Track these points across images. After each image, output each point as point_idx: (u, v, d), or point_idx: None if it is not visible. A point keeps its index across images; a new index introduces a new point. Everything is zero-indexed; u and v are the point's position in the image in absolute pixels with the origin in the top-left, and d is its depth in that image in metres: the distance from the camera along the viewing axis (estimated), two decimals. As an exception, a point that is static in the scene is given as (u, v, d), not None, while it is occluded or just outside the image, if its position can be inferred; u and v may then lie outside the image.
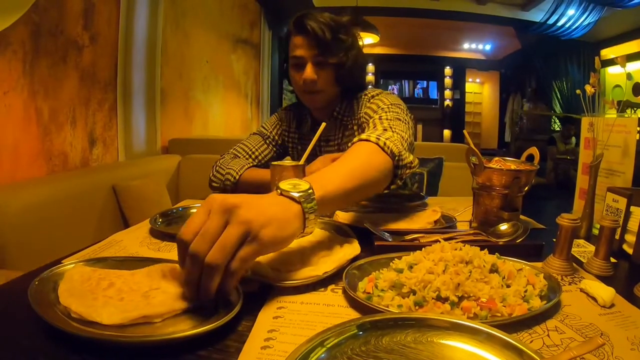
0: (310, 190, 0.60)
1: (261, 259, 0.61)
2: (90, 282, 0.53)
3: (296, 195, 0.58)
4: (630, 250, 0.73)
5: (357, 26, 1.23)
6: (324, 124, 1.01)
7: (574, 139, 5.76)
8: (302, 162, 0.95)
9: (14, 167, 1.61)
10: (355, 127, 1.23)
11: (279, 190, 0.59)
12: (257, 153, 1.30)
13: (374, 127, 0.99)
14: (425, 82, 10.19)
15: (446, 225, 0.88)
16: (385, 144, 0.85)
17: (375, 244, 0.72)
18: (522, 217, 0.92)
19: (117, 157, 2.30)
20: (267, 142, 1.33)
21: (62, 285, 0.52)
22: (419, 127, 9.07)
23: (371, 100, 1.17)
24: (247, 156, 1.29)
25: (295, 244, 0.69)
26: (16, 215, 1.36)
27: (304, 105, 1.32)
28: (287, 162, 1.01)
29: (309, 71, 1.13)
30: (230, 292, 0.50)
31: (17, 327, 0.46)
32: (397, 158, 0.86)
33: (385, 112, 1.06)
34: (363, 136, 0.88)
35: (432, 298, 0.50)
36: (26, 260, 1.27)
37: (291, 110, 1.37)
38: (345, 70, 1.17)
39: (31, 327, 0.45)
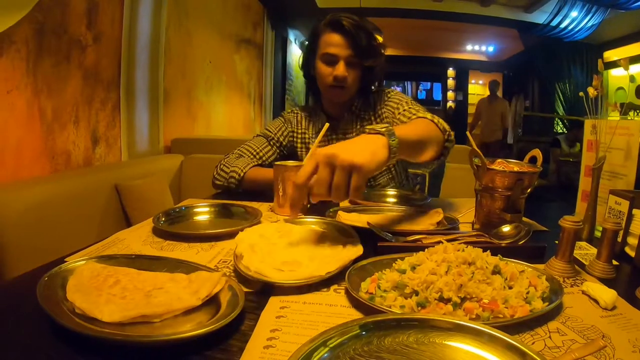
0: (391, 127, 0.73)
1: (262, 259, 0.62)
2: (98, 278, 0.53)
3: (381, 129, 0.72)
4: (632, 253, 0.73)
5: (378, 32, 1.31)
6: (327, 125, 1.03)
7: (578, 144, 5.73)
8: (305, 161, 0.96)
9: (17, 165, 1.61)
10: (372, 119, 1.30)
11: (367, 130, 0.73)
12: (261, 154, 1.31)
13: (416, 114, 1.13)
14: (428, 84, 10.18)
15: (449, 226, 0.88)
16: (438, 121, 1.01)
17: (378, 244, 0.72)
18: (524, 219, 0.92)
19: (120, 156, 2.30)
20: (271, 143, 1.34)
21: (72, 281, 0.52)
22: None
23: (388, 96, 1.28)
24: (251, 156, 1.30)
25: (297, 244, 0.69)
26: (19, 213, 1.36)
27: (315, 105, 1.35)
28: (290, 162, 1.03)
29: (342, 69, 1.20)
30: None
31: (18, 327, 0.46)
32: (447, 133, 1.01)
33: (411, 107, 1.19)
34: (419, 114, 1.06)
35: (435, 299, 0.51)
36: (28, 259, 1.27)
37: (299, 111, 1.38)
38: (373, 73, 1.26)
39: (34, 326, 0.46)
